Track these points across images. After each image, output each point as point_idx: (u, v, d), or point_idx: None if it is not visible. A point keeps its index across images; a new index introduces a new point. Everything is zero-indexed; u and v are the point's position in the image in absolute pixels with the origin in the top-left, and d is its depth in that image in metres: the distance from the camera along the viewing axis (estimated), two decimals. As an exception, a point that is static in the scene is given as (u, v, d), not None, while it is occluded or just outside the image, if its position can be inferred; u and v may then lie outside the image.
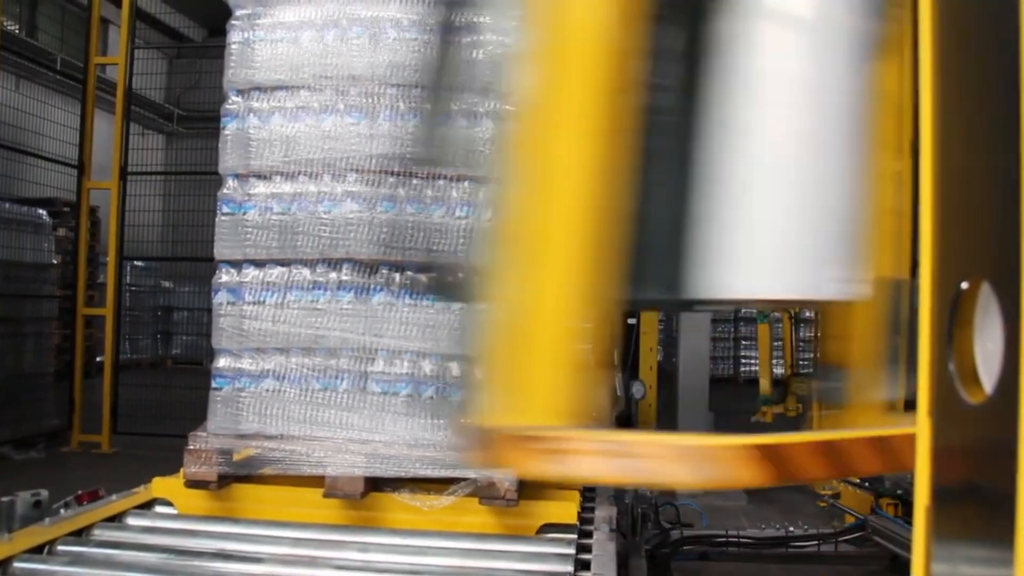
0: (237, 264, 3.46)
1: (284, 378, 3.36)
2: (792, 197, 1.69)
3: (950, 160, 0.90)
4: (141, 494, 3.49)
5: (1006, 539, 0.76)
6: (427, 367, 3.31)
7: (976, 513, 0.86)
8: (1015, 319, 0.76)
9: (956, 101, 0.91)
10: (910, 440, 0.93)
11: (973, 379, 0.85)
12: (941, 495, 0.90)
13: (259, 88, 3.45)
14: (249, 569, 2.82)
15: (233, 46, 3.49)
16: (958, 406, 0.87)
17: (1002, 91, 0.79)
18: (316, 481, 3.30)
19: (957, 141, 0.90)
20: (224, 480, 3.38)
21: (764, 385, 8.43)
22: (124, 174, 9.20)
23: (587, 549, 2.96)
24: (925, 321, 0.92)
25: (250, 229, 3.41)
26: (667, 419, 8.63)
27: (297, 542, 3.03)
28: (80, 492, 3.39)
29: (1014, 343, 0.76)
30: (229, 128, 3.48)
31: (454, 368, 3.31)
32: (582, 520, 3.28)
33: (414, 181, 3.35)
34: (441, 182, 3.34)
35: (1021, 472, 0.75)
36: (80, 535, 3.04)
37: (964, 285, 0.86)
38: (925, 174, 0.93)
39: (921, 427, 0.93)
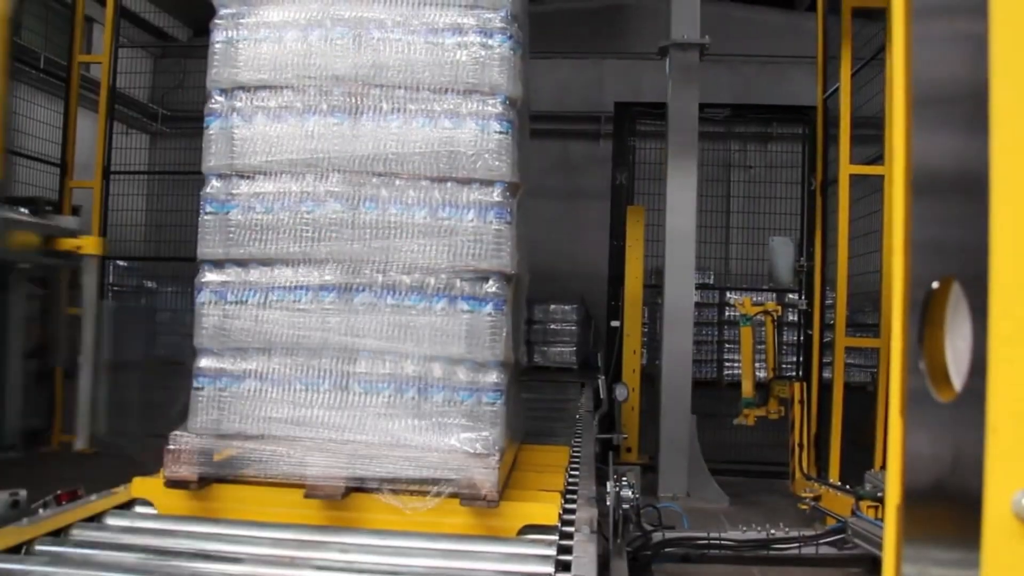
0: (220, 264, 3.45)
1: (266, 378, 3.36)
2: None
3: (920, 163, 0.91)
4: (121, 494, 3.47)
5: (972, 540, 0.77)
6: (409, 368, 3.31)
7: (945, 513, 0.87)
8: (984, 319, 0.77)
9: (927, 105, 0.92)
10: None
11: (943, 378, 0.86)
12: (912, 494, 0.91)
13: (243, 88, 3.45)
14: (229, 569, 2.81)
15: (217, 45, 3.49)
16: (930, 405, 0.87)
17: (971, 96, 0.80)
18: (297, 481, 3.30)
19: (927, 144, 0.91)
20: (204, 480, 3.36)
21: (746, 388, 8.47)
22: (107, 173, 9.15)
23: (568, 551, 2.96)
24: (897, 321, 0.93)
25: (233, 229, 3.41)
26: (650, 422, 8.65)
27: (277, 542, 3.03)
28: (59, 492, 3.37)
29: (982, 343, 0.77)
30: (213, 127, 3.47)
31: (436, 369, 3.31)
32: (563, 522, 3.28)
33: (397, 182, 3.35)
34: (424, 183, 3.35)
35: (988, 474, 0.76)
36: (58, 535, 3.03)
37: (935, 285, 0.86)
38: (896, 177, 0.94)
39: (893, 426, 0.94)
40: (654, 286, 9.71)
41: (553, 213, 14.54)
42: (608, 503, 3.71)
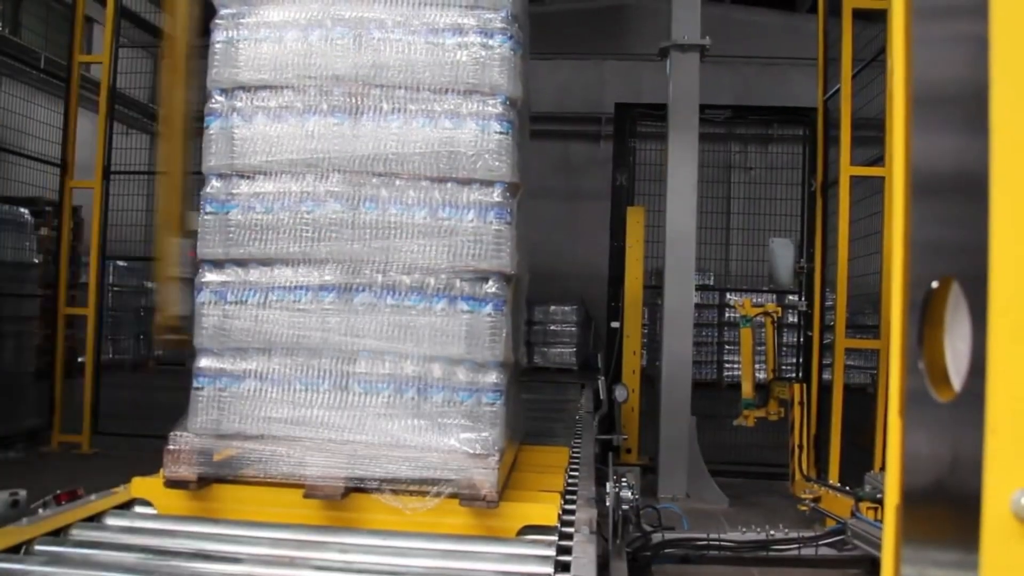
0: (220, 264, 3.45)
1: (266, 378, 3.36)
2: None
3: (920, 164, 0.91)
4: (120, 494, 3.47)
5: (971, 541, 0.77)
6: (409, 368, 3.31)
7: (944, 514, 0.87)
8: (983, 319, 0.77)
9: (927, 106, 0.92)
10: None
11: (943, 378, 0.86)
12: (911, 495, 0.91)
13: (243, 87, 3.45)
14: (228, 569, 2.81)
15: (217, 45, 3.49)
16: (929, 405, 0.87)
17: (971, 97, 0.80)
18: (297, 481, 3.30)
19: (927, 145, 0.91)
20: (204, 480, 3.36)
21: (746, 389, 8.45)
22: (107, 173, 9.15)
23: (567, 551, 2.96)
24: (896, 321, 0.93)
25: (233, 229, 3.41)
26: (650, 423, 8.65)
27: (277, 542, 3.02)
28: (59, 492, 3.37)
29: (982, 343, 0.77)
30: (213, 127, 3.47)
31: (435, 369, 3.31)
32: (563, 522, 3.28)
33: (397, 182, 3.35)
34: (424, 183, 3.35)
35: (987, 474, 0.76)
36: (58, 535, 3.02)
37: (934, 284, 0.87)
38: (896, 178, 0.94)
39: (892, 426, 0.94)
40: (654, 287, 9.71)
41: (553, 214, 14.57)
42: (608, 504, 3.71)
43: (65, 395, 9.02)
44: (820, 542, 5.34)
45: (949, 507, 0.85)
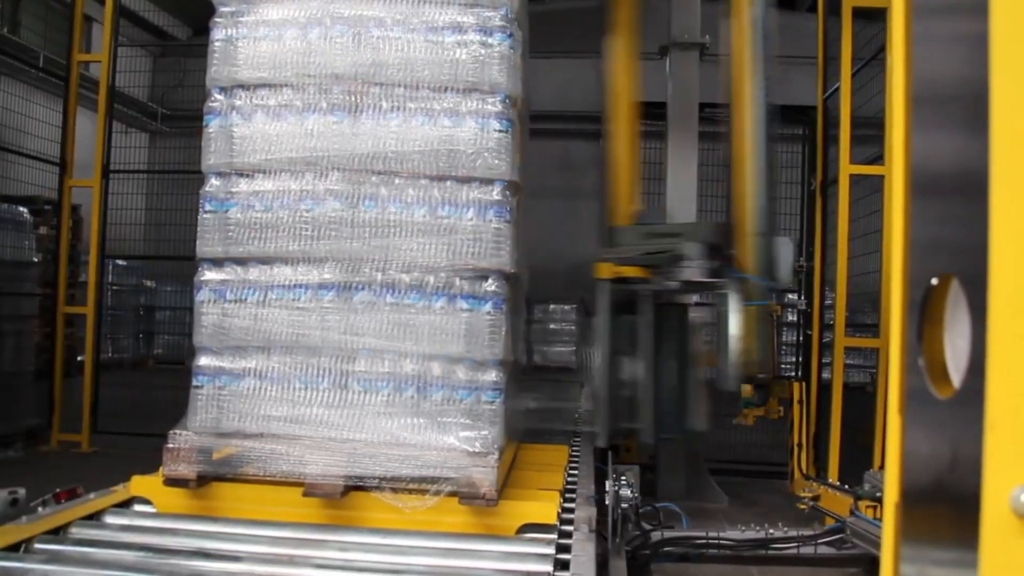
0: (219, 262, 3.45)
1: (265, 376, 3.35)
2: None
3: (920, 163, 0.91)
4: (120, 493, 3.47)
5: (971, 538, 0.77)
6: (408, 366, 3.31)
7: (943, 511, 0.87)
8: (983, 317, 0.77)
9: (927, 105, 0.92)
10: None
11: (942, 375, 0.86)
12: (910, 492, 0.91)
13: (242, 86, 3.45)
14: (228, 567, 2.81)
15: (216, 44, 3.49)
16: (928, 403, 0.87)
17: (971, 95, 0.80)
18: (296, 480, 3.30)
19: (927, 143, 0.91)
20: (203, 479, 3.36)
21: (745, 388, 8.44)
22: (107, 172, 9.13)
23: (566, 549, 2.96)
24: (896, 318, 0.93)
25: (232, 227, 3.41)
26: (649, 422, 8.63)
27: (276, 541, 3.02)
28: (58, 490, 3.37)
29: (981, 340, 0.77)
30: (212, 126, 3.47)
31: (435, 367, 3.31)
32: (562, 521, 3.28)
33: (396, 180, 3.35)
34: (424, 181, 3.35)
35: (987, 471, 0.76)
36: (57, 533, 3.02)
37: (934, 282, 0.87)
38: (896, 177, 0.94)
39: (891, 424, 0.94)
40: (654, 286, 9.69)
41: (553, 213, 14.56)
42: (607, 502, 3.71)
43: (64, 394, 9.00)
44: (819, 540, 5.33)
45: (948, 504, 0.85)
